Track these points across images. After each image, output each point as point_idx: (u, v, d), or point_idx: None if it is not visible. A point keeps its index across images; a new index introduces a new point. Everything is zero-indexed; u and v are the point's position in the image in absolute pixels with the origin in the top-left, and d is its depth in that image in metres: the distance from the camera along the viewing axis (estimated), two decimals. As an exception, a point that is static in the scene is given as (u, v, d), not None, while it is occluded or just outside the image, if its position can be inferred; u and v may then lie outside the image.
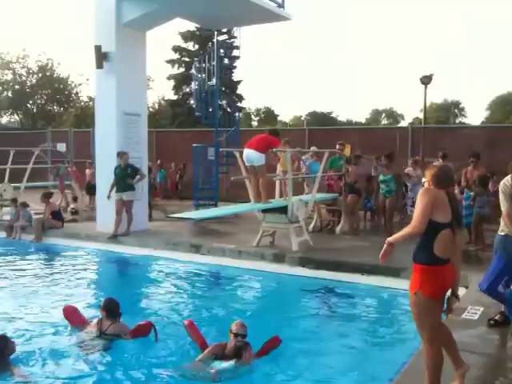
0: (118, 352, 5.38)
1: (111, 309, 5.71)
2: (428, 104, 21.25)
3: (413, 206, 11.86)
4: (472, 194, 9.47)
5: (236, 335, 4.87)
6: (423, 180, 3.87)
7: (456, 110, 63.67)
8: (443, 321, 3.90)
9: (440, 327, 3.78)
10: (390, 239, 3.77)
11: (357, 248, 9.66)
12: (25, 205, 12.32)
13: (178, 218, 9.16)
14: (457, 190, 10.55)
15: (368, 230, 11.90)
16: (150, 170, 15.56)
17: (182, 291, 8.06)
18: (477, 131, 16.47)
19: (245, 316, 6.87)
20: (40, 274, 8.97)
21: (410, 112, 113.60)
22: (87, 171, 16.58)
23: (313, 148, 11.64)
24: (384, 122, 69.78)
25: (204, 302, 7.44)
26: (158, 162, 18.56)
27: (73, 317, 6.00)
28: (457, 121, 59.70)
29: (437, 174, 3.77)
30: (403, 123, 63.37)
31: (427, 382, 3.73)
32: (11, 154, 15.28)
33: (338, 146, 11.84)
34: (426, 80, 19.29)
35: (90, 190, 15.99)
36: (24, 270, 9.33)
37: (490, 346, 4.94)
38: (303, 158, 11.42)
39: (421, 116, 35.05)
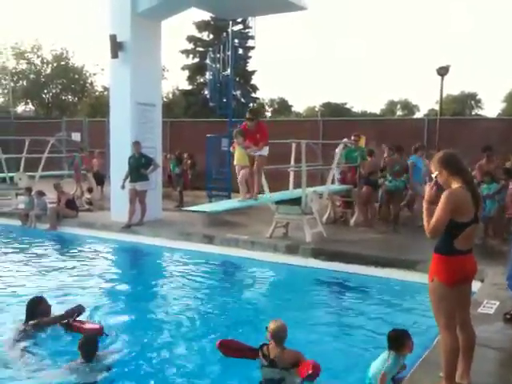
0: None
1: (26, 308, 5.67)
2: (444, 96, 21.05)
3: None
4: (496, 185, 9.31)
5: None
6: (433, 175, 3.74)
7: (472, 102, 62.90)
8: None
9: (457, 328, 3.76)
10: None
11: (371, 240, 9.60)
12: (41, 193, 12.42)
13: (193, 211, 9.14)
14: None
15: (382, 221, 11.80)
16: (180, 160, 15.57)
17: (194, 282, 8.06)
18: (493, 123, 16.25)
19: (257, 307, 6.91)
20: (53, 263, 9.04)
21: (426, 103, 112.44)
22: (94, 161, 16.60)
23: (344, 140, 11.47)
24: (399, 113, 69.14)
25: (216, 293, 7.46)
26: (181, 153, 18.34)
27: None
28: (473, 113, 59.00)
29: (443, 159, 3.69)
30: (418, 114, 62.71)
31: (444, 370, 3.70)
32: (26, 143, 15.40)
33: (352, 138, 11.75)
34: (443, 71, 19.01)
35: (98, 179, 16.07)
36: (38, 258, 9.42)
37: (506, 340, 4.89)
38: (336, 150, 11.16)
39: (436, 107, 34.70)
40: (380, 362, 4.31)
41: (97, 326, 5.58)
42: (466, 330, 3.79)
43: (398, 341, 4.28)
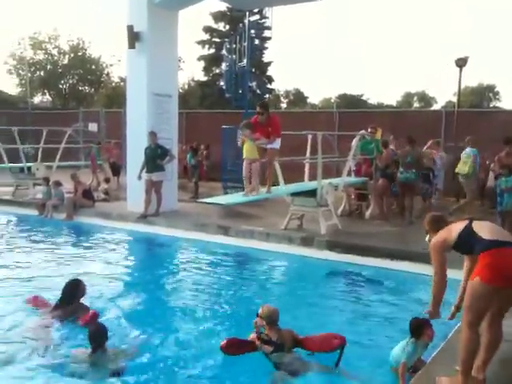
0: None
1: (63, 291, 5.75)
2: (462, 87, 20.73)
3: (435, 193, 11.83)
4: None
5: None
6: (427, 238, 4.13)
7: (490, 94, 62.03)
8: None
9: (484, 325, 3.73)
10: (430, 310, 4.04)
11: (386, 233, 9.57)
12: (58, 184, 12.54)
13: (208, 203, 9.17)
14: (491, 176, 10.37)
15: (397, 214, 11.72)
16: (196, 151, 15.62)
17: (209, 273, 8.13)
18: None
19: (271, 298, 6.91)
20: (70, 252, 9.16)
21: (443, 96, 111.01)
22: (114, 151, 16.74)
23: (362, 132, 11.40)
24: (416, 105, 68.42)
25: (231, 285, 7.49)
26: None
27: (37, 303, 6.06)
28: (491, 105, 58.23)
29: (427, 222, 4.26)
30: (436, 107, 61.99)
31: (460, 365, 3.67)
32: (44, 133, 15.54)
33: (369, 130, 11.68)
34: (461, 63, 18.72)
35: (114, 170, 16.20)
36: (54, 247, 9.55)
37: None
38: (353, 142, 11.07)
39: (454, 100, 34.35)
40: (400, 347, 4.46)
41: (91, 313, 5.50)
42: (495, 328, 3.74)
43: (418, 329, 4.44)
